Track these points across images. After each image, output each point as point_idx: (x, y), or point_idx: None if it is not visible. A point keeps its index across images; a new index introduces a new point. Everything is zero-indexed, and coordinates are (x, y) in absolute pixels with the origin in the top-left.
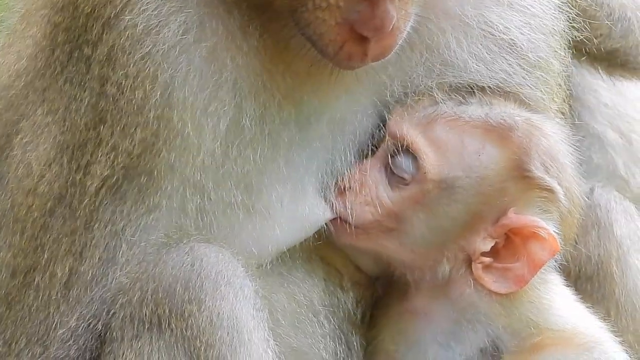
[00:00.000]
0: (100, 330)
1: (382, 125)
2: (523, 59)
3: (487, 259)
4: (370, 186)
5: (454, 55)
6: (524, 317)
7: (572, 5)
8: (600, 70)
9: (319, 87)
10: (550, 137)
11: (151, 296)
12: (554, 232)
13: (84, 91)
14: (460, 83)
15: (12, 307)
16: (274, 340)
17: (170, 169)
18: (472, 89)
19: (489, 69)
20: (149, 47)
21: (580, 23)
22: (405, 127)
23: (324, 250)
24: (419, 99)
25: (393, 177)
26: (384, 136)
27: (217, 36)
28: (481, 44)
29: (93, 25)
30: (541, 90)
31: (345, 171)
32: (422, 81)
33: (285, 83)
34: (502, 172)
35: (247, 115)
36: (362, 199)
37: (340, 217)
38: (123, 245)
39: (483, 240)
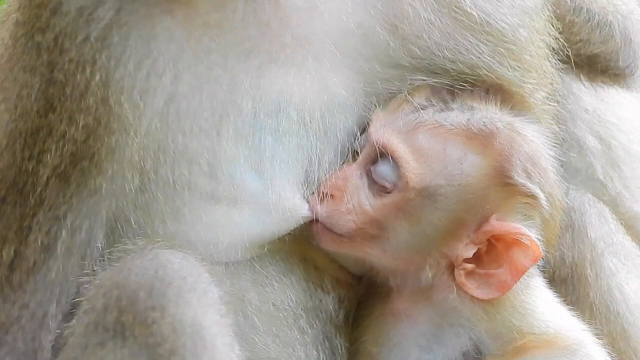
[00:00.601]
0: (51, 325)
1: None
2: (495, 37)
3: (469, 265)
4: (352, 194)
5: (428, 36)
6: (506, 322)
7: (551, 11)
8: (581, 77)
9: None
10: (532, 142)
11: (115, 303)
12: (536, 238)
13: (35, 77)
14: (433, 66)
15: None
16: (250, 350)
17: (111, 152)
18: (453, 90)
19: (459, 48)
20: (87, 30)
21: (559, 29)
22: (387, 135)
23: (303, 247)
24: (400, 104)
25: (375, 184)
26: (366, 143)
27: (152, 12)
28: (452, 22)
29: (42, 13)
30: (516, 74)
31: (327, 173)
32: (399, 62)
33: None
34: (484, 179)
35: (182, 89)
36: (344, 207)
37: (321, 223)
38: (63, 232)
39: (465, 246)
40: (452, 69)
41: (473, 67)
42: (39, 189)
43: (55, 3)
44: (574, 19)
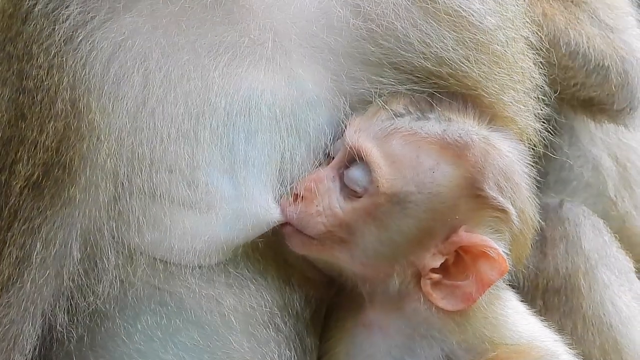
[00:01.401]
0: (25, 347)
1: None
2: (461, 26)
3: (436, 276)
4: (323, 196)
5: (392, 22)
6: (478, 333)
7: (545, 56)
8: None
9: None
10: (507, 156)
11: None
12: (504, 252)
13: (5, 87)
14: (400, 62)
15: None
16: (224, 351)
17: (84, 160)
18: (431, 101)
19: (424, 38)
20: (54, 32)
21: (555, 73)
22: (361, 139)
23: (275, 249)
24: (377, 110)
25: (346, 187)
26: (340, 147)
27: (116, 7)
28: (418, 10)
29: (13, 23)
30: (482, 74)
31: (298, 172)
32: (365, 55)
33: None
34: (455, 190)
35: (155, 92)
36: (314, 209)
37: (292, 225)
38: (38, 245)
39: (433, 256)
40: (419, 65)
41: (439, 63)
42: (12, 200)
43: (25, 11)
44: (569, 64)
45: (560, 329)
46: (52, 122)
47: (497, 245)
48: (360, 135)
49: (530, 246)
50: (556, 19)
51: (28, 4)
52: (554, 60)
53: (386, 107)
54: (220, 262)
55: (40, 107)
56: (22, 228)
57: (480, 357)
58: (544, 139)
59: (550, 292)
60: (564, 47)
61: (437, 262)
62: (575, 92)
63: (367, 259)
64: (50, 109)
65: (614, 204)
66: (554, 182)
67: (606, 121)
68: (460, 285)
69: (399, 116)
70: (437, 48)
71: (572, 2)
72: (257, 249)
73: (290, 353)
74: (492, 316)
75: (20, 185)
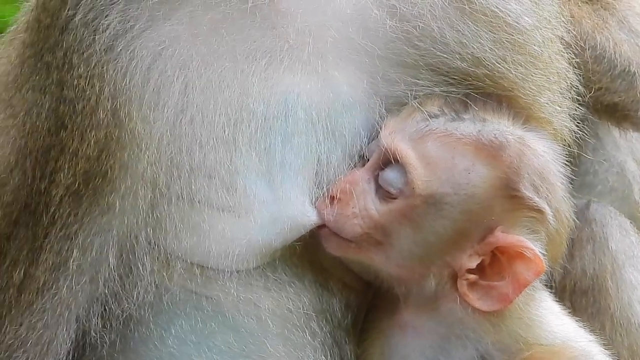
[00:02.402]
0: (58, 352)
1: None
2: (498, 26)
3: (472, 276)
4: (359, 198)
5: (428, 22)
6: (513, 333)
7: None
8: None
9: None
10: (542, 156)
11: None
12: (540, 252)
13: (45, 96)
14: (435, 63)
15: None
16: (260, 355)
17: (124, 168)
18: (466, 101)
19: (461, 38)
20: (94, 42)
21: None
22: (397, 141)
23: (313, 252)
24: (412, 112)
25: (381, 189)
26: (375, 148)
27: (156, 16)
28: (454, 10)
29: (51, 33)
30: (519, 75)
31: (334, 175)
32: (401, 57)
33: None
34: (491, 190)
35: (194, 100)
36: (350, 211)
37: (328, 227)
38: (74, 251)
39: (469, 257)
40: (455, 67)
41: (475, 64)
42: (52, 209)
43: (64, 21)
44: (595, 68)
45: (588, 330)
46: (93, 132)
47: (533, 246)
48: (396, 136)
49: (565, 246)
50: (583, 22)
51: (67, 14)
52: (581, 63)
53: (421, 108)
54: (258, 265)
55: (81, 117)
56: (59, 235)
57: (515, 358)
58: (578, 140)
59: (577, 293)
60: (590, 50)
61: (473, 263)
62: (600, 97)
63: (403, 260)
64: (91, 118)
65: (638, 206)
66: (579, 186)
67: (630, 129)
68: (497, 286)
69: (433, 117)
70: (474, 49)
71: (601, 6)
72: (295, 253)
73: (326, 359)
74: (527, 316)
75: (61, 195)
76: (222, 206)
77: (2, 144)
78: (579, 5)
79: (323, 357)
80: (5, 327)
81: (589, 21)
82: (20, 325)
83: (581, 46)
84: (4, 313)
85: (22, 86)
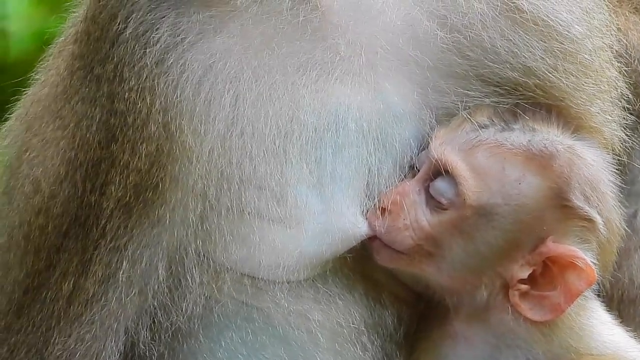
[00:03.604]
0: None
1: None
2: (549, 35)
3: (524, 287)
4: (410, 209)
5: (479, 32)
6: (564, 343)
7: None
8: None
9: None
10: (592, 165)
11: None
12: (592, 262)
13: (95, 108)
14: (486, 74)
15: (20, 317)
16: None
17: (175, 181)
18: (515, 111)
19: (512, 48)
20: (145, 56)
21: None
22: (447, 152)
23: (363, 264)
24: (462, 122)
25: (432, 200)
26: (425, 159)
27: (207, 29)
28: (505, 19)
29: (101, 46)
30: (570, 84)
31: (385, 186)
32: (451, 67)
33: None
34: (542, 201)
35: (245, 113)
36: (402, 222)
37: (379, 239)
38: (124, 263)
39: (520, 267)
40: (506, 76)
41: (527, 74)
42: (102, 222)
43: (114, 34)
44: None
45: (636, 340)
46: (144, 144)
47: (584, 255)
48: (446, 148)
49: (616, 255)
50: (629, 34)
51: (117, 27)
52: (630, 72)
53: (470, 119)
54: (308, 277)
55: (132, 130)
56: (109, 247)
57: None
58: (627, 149)
59: (625, 302)
60: (636, 63)
61: (524, 273)
62: None
63: (455, 271)
64: (142, 131)
65: None
66: (628, 195)
67: None
68: (548, 296)
69: (483, 128)
70: (525, 58)
71: None
72: (346, 265)
73: None
74: (578, 326)
75: (111, 208)
76: (272, 217)
77: (52, 156)
78: (626, 16)
79: None
80: (54, 338)
81: (636, 33)
82: (69, 336)
83: (630, 54)
84: (53, 324)
85: (71, 98)
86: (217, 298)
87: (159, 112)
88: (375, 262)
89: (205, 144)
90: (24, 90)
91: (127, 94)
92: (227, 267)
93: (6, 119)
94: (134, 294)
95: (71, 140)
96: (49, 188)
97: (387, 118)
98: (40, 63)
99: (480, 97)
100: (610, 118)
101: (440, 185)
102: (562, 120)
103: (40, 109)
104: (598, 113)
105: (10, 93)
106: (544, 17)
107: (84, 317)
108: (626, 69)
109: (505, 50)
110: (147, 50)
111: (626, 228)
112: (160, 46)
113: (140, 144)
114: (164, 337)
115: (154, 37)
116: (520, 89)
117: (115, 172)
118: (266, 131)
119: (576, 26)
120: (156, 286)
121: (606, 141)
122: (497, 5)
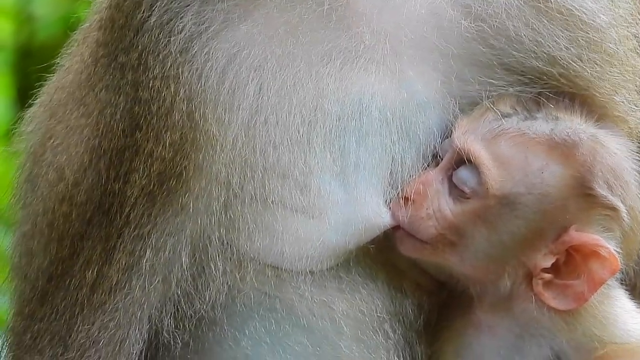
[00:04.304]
0: (130, 352)
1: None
2: (573, 24)
3: (547, 275)
4: (433, 199)
5: (503, 21)
6: (587, 332)
7: None
8: None
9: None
10: (615, 154)
11: None
12: (615, 250)
13: (119, 96)
14: (517, 61)
15: (44, 305)
16: (335, 356)
17: (199, 170)
18: (538, 99)
19: (537, 37)
20: (169, 44)
21: None
22: (470, 141)
23: (386, 253)
24: (484, 111)
25: (454, 189)
26: (448, 149)
27: (231, 18)
28: (530, 8)
29: (126, 34)
30: (594, 73)
31: (408, 175)
32: (475, 56)
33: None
34: (565, 189)
35: (269, 102)
36: (425, 212)
37: (403, 229)
38: (147, 251)
39: (544, 256)
40: (530, 66)
41: (551, 63)
42: (126, 210)
43: (139, 22)
44: None
45: None
46: (168, 133)
47: (608, 244)
48: (469, 136)
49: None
50: None
51: (142, 15)
52: None
53: (493, 107)
54: (331, 267)
55: (157, 118)
56: (133, 235)
57: (590, 356)
58: None
59: None
60: None
61: (548, 262)
62: None
63: (478, 261)
64: (167, 119)
65: None
66: None
67: None
68: (572, 285)
69: (506, 117)
70: (549, 47)
71: None
72: (369, 254)
73: None
74: (602, 315)
75: (135, 196)
76: (295, 207)
77: (76, 143)
78: None
79: (396, 358)
80: (77, 326)
81: None
82: (93, 324)
83: None
84: (77, 312)
85: (95, 85)
86: (240, 287)
87: (183, 101)
88: (398, 251)
89: (229, 132)
90: (49, 76)
91: (151, 82)
92: (250, 257)
93: (30, 105)
94: (158, 282)
95: (95, 128)
96: (73, 176)
97: (410, 107)
98: (66, 48)
99: (503, 86)
100: (634, 107)
101: (463, 174)
102: (586, 109)
103: (65, 96)
104: (622, 102)
105: (35, 78)
106: (569, 6)
107: (107, 305)
108: None
109: (529, 39)
110: (172, 39)
111: None
112: (185, 34)
113: (165, 132)
114: (188, 326)
115: (178, 25)
116: (545, 78)
117: (139, 160)
118: (290, 120)
119: (601, 15)
120: (180, 274)
121: (630, 130)
122: None
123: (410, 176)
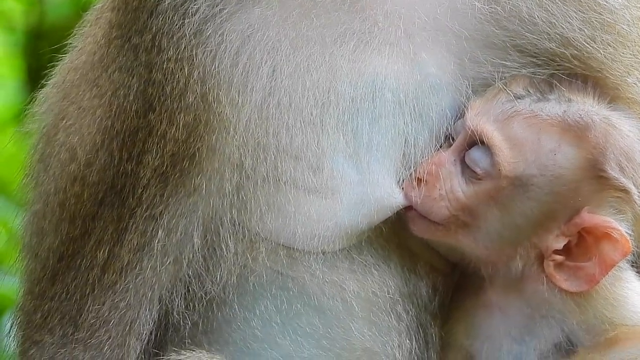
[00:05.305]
0: (141, 332)
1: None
2: (594, 15)
3: (559, 257)
4: (445, 180)
5: (525, 9)
6: (598, 314)
7: None
8: None
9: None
10: (628, 136)
11: None
12: (627, 232)
13: (132, 78)
14: (530, 42)
15: (54, 284)
16: (345, 338)
17: (212, 151)
18: (551, 81)
19: (550, 18)
20: (183, 26)
21: None
22: (482, 122)
23: (399, 234)
24: (497, 93)
25: (467, 170)
26: (461, 130)
27: (246, 1)
28: None
29: (139, 15)
30: (607, 55)
31: (421, 156)
32: (488, 38)
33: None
34: (577, 171)
35: (282, 84)
36: (437, 193)
37: (415, 210)
38: (159, 232)
39: (556, 238)
40: (543, 47)
41: (564, 44)
42: (138, 191)
43: (152, 4)
44: None
45: None
46: (181, 114)
47: (619, 226)
48: (481, 118)
49: None
50: None
51: None
52: None
53: (506, 89)
54: (344, 247)
55: (170, 99)
56: (145, 215)
57: (600, 338)
58: None
59: None
60: None
61: (559, 244)
62: None
63: (491, 242)
64: (180, 101)
65: None
66: None
67: None
68: (583, 267)
69: (519, 98)
70: (563, 28)
71: None
72: (381, 235)
73: (411, 343)
74: (613, 297)
75: (148, 177)
76: (308, 188)
77: (88, 124)
78: None
79: (408, 340)
80: (88, 306)
81: None
82: (103, 304)
83: None
84: (87, 292)
85: (108, 67)
86: (252, 268)
87: (197, 83)
88: (411, 232)
89: (243, 114)
90: (61, 57)
91: (165, 64)
92: (263, 237)
93: (43, 86)
94: (169, 262)
95: (108, 109)
96: (85, 156)
97: (423, 88)
98: (77, 29)
99: (516, 68)
100: None
101: (476, 155)
102: (598, 91)
103: (77, 77)
104: (635, 84)
105: (47, 59)
106: None
107: (118, 286)
108: None
109: (542, 21)
110: (186, 21)
111: None
112: (199, 16)
113: (178, 113)
114: (198, 306)
115: (192, 7)
116: (557, 59)
117: (152, 141)
118: (303, 101)
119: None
120: (191, 255)
121: None
122: None
123: (422, 157)
